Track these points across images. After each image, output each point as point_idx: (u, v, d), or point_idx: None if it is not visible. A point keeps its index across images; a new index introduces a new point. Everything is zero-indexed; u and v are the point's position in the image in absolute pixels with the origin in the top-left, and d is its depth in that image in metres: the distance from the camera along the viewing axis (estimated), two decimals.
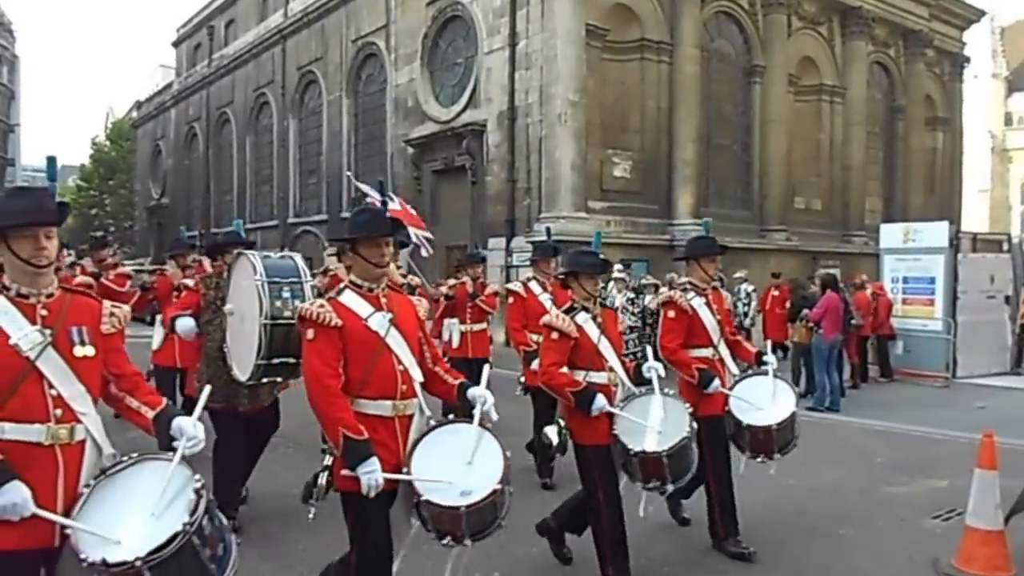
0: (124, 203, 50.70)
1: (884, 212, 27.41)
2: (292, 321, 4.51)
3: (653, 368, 4.64)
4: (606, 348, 4.58)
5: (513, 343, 7.10)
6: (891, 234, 16.35)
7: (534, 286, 7.07)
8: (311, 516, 3.74)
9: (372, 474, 3.21)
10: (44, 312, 2.71)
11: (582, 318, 4.55)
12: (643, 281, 14.63)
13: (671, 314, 5.25)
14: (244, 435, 5.58)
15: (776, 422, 5.04)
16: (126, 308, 2.99)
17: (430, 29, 23.31)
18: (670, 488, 4.50)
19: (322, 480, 3.54)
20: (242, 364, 5.02)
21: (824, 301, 11.92)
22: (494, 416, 3.53)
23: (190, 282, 5.94)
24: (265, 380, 5.07)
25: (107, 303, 2.92)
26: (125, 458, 2.74)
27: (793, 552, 5.42)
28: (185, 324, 5.52)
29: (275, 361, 4.77)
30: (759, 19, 23.59)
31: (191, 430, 2.75)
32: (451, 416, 3.63)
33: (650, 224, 20.54)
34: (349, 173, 19.84)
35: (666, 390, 4.61)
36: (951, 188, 31.36)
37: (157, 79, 48.09)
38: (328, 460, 3.54)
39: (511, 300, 7.13)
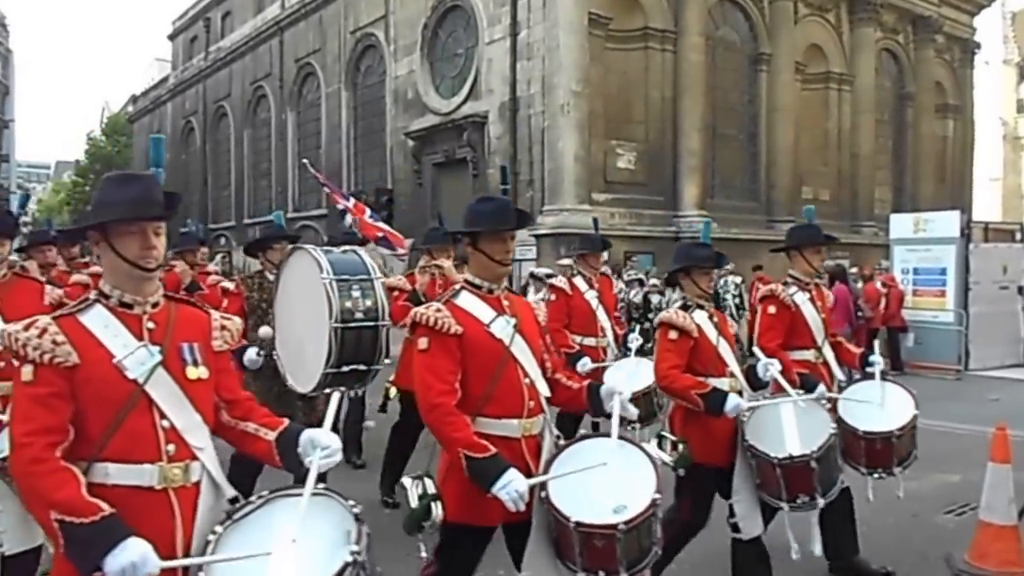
0: None
1: (894, 202, 27.04)
2: (364, 323, 4.09)
3: (770, 366, 4.18)
4: (726, 351, 4.14)
5: (553, 344, 6.53)
6: (901, 224, 16.12)
7: (579, 282, 6.54)
8: (423, 554, 3.07)
9: (510, 486, 2.72)
10: (151, 325, 2.27)
11: (700, 317, 4.11)
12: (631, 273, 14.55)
13: (771, 310, 4.69)
14: None
15: (897, 427, 4.40)
16: (238, 321, 2.55)
17: (429, 19, 22.99)
18: (820, 502, 3.92)
19: (437, 511, 2.91)
20: (302, 373, 4.45)
21: (833, 292, 11.74)
22: (632, 412, 3.11)
23: (230, 284, 5.37)
24: (328, 390, 4.46)
25: (216, 314, 2.48)
26: (253, 498, 2.27)
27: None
28: (250, 358, 4.84)
29: (345, 369, 4.17)
30: (765, 6, 23.22)
31: (324, 438, 2.30)
32: (583, 433, 3.22)
33: (655, 216, 20.29)
34: (306, 160, 19.16)
35: (796, 391, 4.17)
36: (962, 177, 30.97)
37: (153, 73, 47.80)
38: (431, 486, 2.99)
39: (553, 296, 6.57)
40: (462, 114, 21.70)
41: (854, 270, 15.99)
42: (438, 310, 2.99)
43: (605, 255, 6.85)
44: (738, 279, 15.47)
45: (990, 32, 40.06)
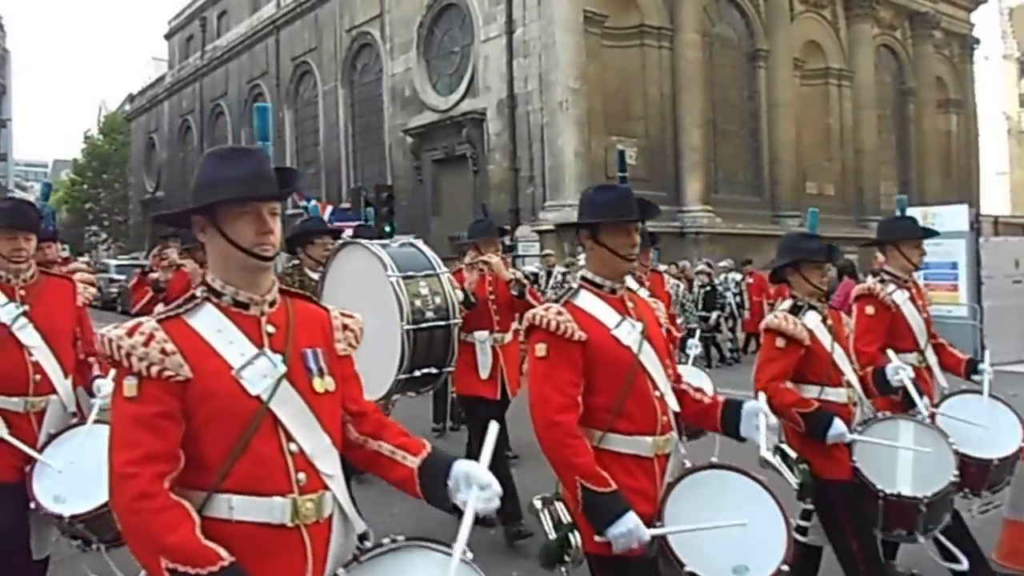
0: (118, 197, 50.06)
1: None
2: (436, 323, 3.83)
3: (900, 370, 3.64)
4: (841, 358, 3.65)
5: None
6: None
7: (629, 280, 6.07)
8: None
9: (627, 537, 2.41)
10: (270, 328, 1.90)
11: (812, 320, 3.59)
12: None
13: (869, 310, 4.13)
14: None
15: (998, 456, 3.88)
16: (359, 318, 2.16)
17: (425, 18, 22.91)
18: (920, 540, 3.57)
19: (575, 540, 2.51)
20: (369, 380, 4.07)
21: (841, 288, 11.72)
22: (771, 439, 2.68)
23: None
24: (396, 397, 4.16)
25: (334, 310, 2.11)
26: (386, 541, 1.90)
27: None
28: None
29: (417, 373, 3.89)
30: (760, 3, 23.16)
31: (483, 475, 1.91)
32: (713, 462, 2.77)
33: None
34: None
35: (922, 409, 3.70)
36: (968, 171, 30.85)
37: (150, 72, 47.57)
38: (564, 512, 2.60)
39: None
40: (460, 111, 21.63)
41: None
42: (559, 312, 2.61)
43: (652, 255, 6.28)
44: (738, 276, 15.39)
45: (988, 28, 40.02)
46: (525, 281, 5.99)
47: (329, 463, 1.91)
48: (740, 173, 23.24)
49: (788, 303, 3.69)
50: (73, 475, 3.16)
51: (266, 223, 1.87)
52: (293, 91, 30.03)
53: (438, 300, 3.86)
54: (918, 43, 28.01)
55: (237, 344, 1.84)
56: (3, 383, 3.33)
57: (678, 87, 20.80)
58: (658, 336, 2.79)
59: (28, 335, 3.38)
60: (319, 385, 1.92)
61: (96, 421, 3.39)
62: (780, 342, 3.53)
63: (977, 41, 31.63)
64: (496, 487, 1.91)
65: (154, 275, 6.80)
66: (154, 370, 1.74)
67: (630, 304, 2.77)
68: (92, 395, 3.58)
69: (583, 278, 2.78)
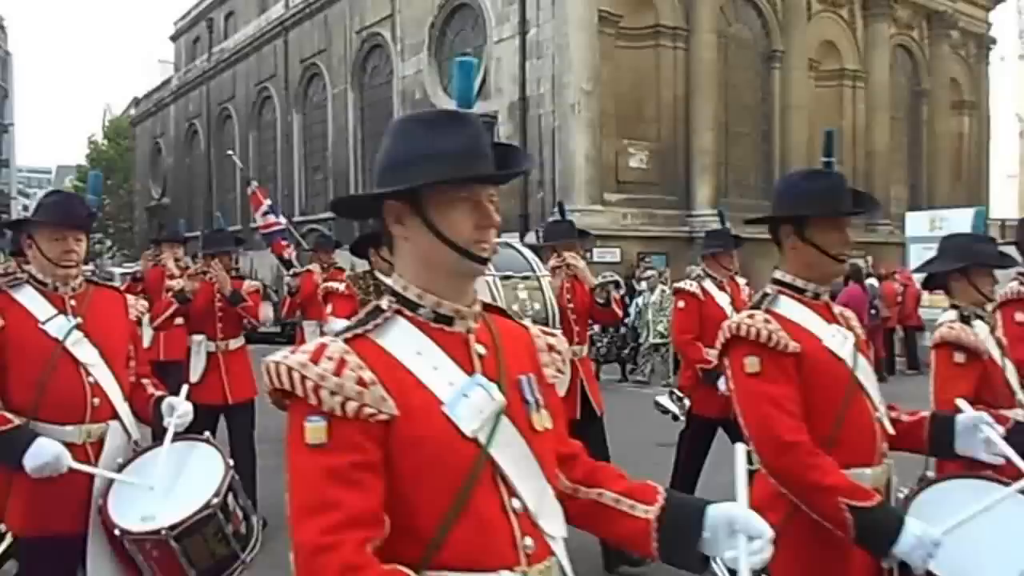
0: (123, 203, 49.93)
1: (910, 199, 26.66)
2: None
3: (984, 423, 2.47)
4: (1012, 374, 3.23)
5: (684, 359, 5.69)
6: (917, 222, 16.06)
7: (709, 286, 5.50)
8: None
9: (919, 547, 1.99)
10: (481, 349, 1.50)
11: (982, 331, 3.16)
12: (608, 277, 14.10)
13: (958, 359, 3.12)
14: None
15: None
16: (562, 337, 1.79)
17: (436, 18, 22.69)
18: None
19: None
20: None
21: (845, 293, 11.70)
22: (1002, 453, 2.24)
23: (339, 285, 4.64)
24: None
25: (532, 327, 1.71)
26: None
27: None
28: None
29: None
30: (777, 3, 22.89)
31: (753, 522, 1.50)
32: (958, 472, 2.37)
33: (668, 216, 20.07)
34: (231, 152, 18.42)
35: None
36: (978, 174, 30.59)
37: (155, 75, 47.41)
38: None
39: (681, 304, 5.59)
40: None
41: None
42: (767, 320, 2.25)
43: (736, 258, 5.84)
44: (742, 281, 15.09)
45: (1006, 27, 39.64)
46: (615, 287, 5.49)
47: (554, 522, 1.52)
48: (751, 176, 22.99)
49: (953, 312, 3.22)
50: (157, 496, 2.73)
51: (489, 214, 1.48)
52: (302, 94, 29.80)
53: (537, 306, 3.61)
54: (935, 43, 27.72)
55: (443, 370, 1.44)
56: (57, 409, 2.82)
57: (692, 88, 20.55)
58: (866, 350, 2.40)
59: (85, 351, 2.90)
60: (538, 422, 1.52)
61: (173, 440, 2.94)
62: (959, 357, 3.07)
63: (993, 41, 31.34)
64: (769, 533, 1.48)
65: (171, 283, 6.33)
66: (350, 407, 1.33)
67: (837, 310, 2.39)
68: (150, 424, 3.10)
69: (777, 281, 2.39)
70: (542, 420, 1.52)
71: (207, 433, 3.02)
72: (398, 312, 1.47)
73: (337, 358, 1.35)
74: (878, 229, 24.54)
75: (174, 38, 41.65)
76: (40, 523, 2.78)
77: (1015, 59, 46.10)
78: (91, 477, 2.80)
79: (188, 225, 27.69)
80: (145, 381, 3.18)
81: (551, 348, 1.67)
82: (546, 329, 1.73)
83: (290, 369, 1.34)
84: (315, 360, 1.35)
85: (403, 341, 1.44)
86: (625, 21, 19.87)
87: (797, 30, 22.89)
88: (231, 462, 2.79)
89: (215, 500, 2.61)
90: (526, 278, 3.49)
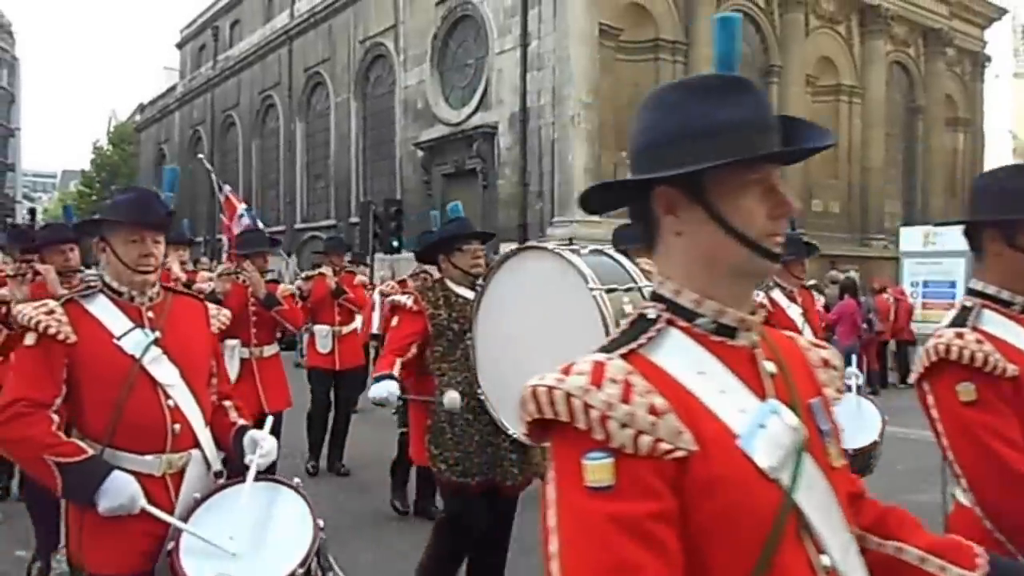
0: None
1: (904, 215, 26.89)
2: None
3: None
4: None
5: None
6: (911, 237, 16.14)
7: (778, 296, 5.16)
8: None
9: None
10: (771, 368, 1.25)
11: None
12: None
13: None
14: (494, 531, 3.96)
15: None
16: (834, 349, 1.53)
17: (439, 29, 22.91)
18: None
19: None
20: None
21: (839, 307, 11.93)
22: None
23: (407, 300, 4.04)
24: None
25: (800, 338, 1.48)
26: None
27: None
28: (452, 397, 3.69)
29: None
30: (776, 18, 23.17)
31: None
32: None
33: None
34: (202, 156, 18.48)
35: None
36: None
37: (161, 82, 47.79)
38: None
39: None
40: (472, 125, 21.60)
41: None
42: (979, 340, 1.93)
43: (805, 267, 5.49)
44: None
45: (1001, 45, 39.97)
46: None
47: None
48: None
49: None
50: (236, 551, 2.43)
51: (786, 201, 1.19)
52: (305, 102, 30.07)
53: None
54: (931, 60, 27.99)
55: (731, 394, 1.17)
56: (135, 436, 2.52)
57: None
58: None
59: (164, 371, 2.59)
60: (835, 457, 1.25)
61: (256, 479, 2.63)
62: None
63: (989, 59, 31.61)
64: None
65: (201, 285, 6.20)
66: (643, 442, 1.06)
67: None
68: (229, 456, 2.78)
69: (978, 293, 2.09)
70: (838, 455, 1.26)
71: (297, 480, 2.69)
72: (669, 323, 1.21)
73: (622, 380, 1.10)
74: (872, 244, 24.79)
75: (180, 45, 41.98)
76: (117, 563, 2.50)
77: (1010, 77, 46.53)
78: (172, 503, 2.56)
79: (192, 230, 27.91)
80: (227, 404, 2.88)
81: (826, 363, 1.39)
82: (815, 341, 1.48)
83: (569, 396, 1.08)
84: (597, 383, 1.09)
85: (681, 358, 1.18)
86: (625, 35, 20.09)
87: (795, 46, 23.15)
88: (321, 523, 2.49)
89: (300, 572, 2.36)
90: (629, 291, 3.22)
